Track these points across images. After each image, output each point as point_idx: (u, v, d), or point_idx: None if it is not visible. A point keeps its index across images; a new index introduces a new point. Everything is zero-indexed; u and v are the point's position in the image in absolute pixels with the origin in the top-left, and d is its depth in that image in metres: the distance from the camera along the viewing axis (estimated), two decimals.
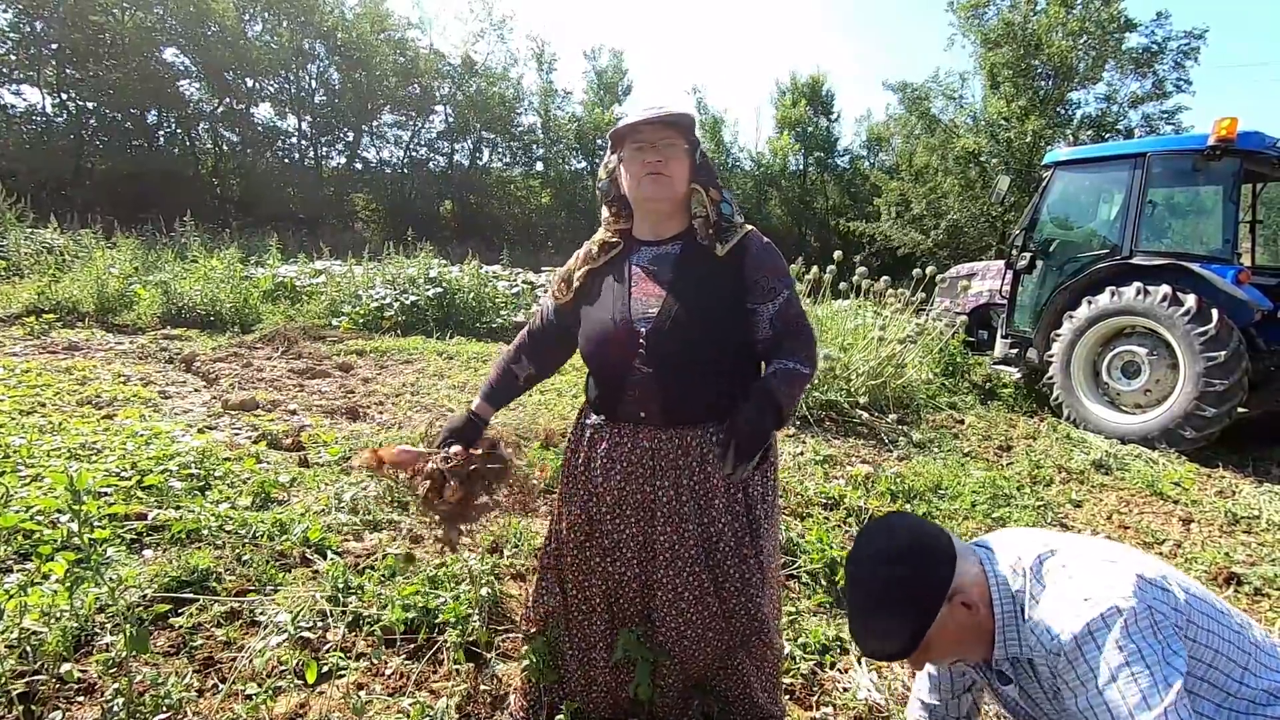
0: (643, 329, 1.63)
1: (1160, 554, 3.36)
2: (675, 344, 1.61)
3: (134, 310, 8.00)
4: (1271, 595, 2.99)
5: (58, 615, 2.03)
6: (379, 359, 6.93)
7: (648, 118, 1.60)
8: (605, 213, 1.79)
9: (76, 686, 1.89)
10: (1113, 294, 5.50)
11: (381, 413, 5.02)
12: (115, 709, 1.55)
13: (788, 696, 2.13)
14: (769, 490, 1.72)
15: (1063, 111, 18.79)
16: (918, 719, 1.59)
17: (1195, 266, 5.18)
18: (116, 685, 1.60)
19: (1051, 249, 6.46)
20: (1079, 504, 4.02)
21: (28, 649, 1.89)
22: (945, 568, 1.25)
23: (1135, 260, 5.55)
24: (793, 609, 2.54)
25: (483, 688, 1.96)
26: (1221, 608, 1.24)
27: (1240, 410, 5.06)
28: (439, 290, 8.91)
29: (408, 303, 8.66)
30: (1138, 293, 5.33)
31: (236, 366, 6.16)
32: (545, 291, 1.92)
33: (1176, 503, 4.13)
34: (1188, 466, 4.76)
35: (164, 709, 1.73)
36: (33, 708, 1.73)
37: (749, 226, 1.71)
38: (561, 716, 1.68)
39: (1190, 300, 5.04)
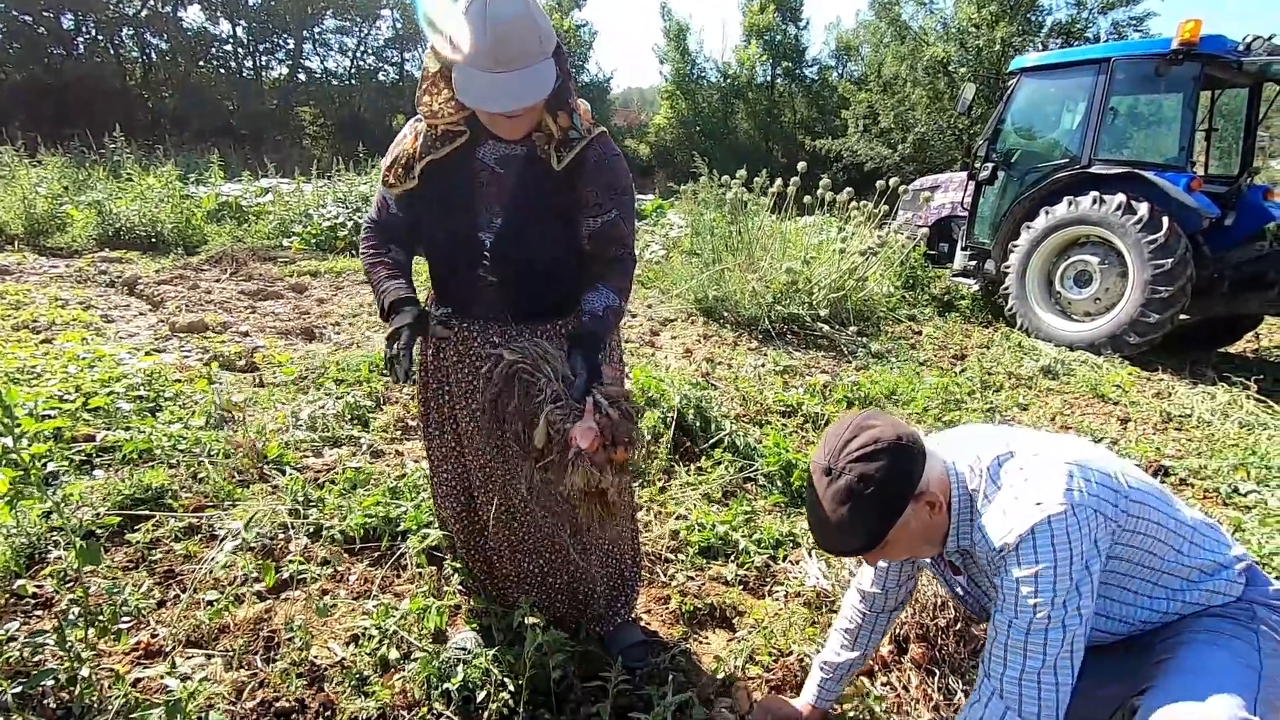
0: (487, 240, 1.60)
1: None
2: (518, 255, 1.61)
3: (68, 232, 7.58)
4: (1194, 485, 3.19)
5: (7, 532, 2.00)
6: (334, 280, 6.74)
7: (510, 110, 1.40)
8: (440, 96, 1.51)
9: (32, 600, 1.89)
10: (1070, 204, 5.55)
11: (339, 333, 4.92)
12: (72, 618, 1.55)
13: (741, 586, 2.24)
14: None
15: (1033, 18, 18.37)
16: (854, 607, 1.66)
17: (1150, 174, 5.22)
18: (72, 596, 1.59)
19: (1013, 159, 6.44)
20: (1025, 407, 4.18)
21: None
22: (917, 467, 1.26)
23: (1093, 169, 5.58)
24: (749, 509, 2.63)
25: (445, 589, 2.01)
26: (1161, 494, 1.31)
27: (1181, 316, 5.25)
28: None
29: (361, 221, 8.34)
30: (1094, 202, 5.38)
31: (183, 289, 5.93)
32: (381, 185, 1.69)
33: (1116, 404, 4.32)
34: (1129, 370, 4.96)
35: (125, 618, 1.74)
36: None
37: (598, 131, 1.58)
38: (521, 610, 1.73)
39: (1143, 208, 5.11)
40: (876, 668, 1.87)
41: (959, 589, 1.47)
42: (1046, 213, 5.71)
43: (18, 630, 1.70)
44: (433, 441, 1.79)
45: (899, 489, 1.24)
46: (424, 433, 1.82)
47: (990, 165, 6.47)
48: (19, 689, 1.44)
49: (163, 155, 11.50)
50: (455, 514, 1.83)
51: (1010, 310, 6.03)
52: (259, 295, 5.92)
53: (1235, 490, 3.09)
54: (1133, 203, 5.18)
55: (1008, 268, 6.00)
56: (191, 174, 10.85)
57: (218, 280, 6.42)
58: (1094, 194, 5.39)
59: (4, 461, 2.24)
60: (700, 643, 2.00)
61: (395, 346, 1.49)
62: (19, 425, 1.65)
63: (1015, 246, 5.93)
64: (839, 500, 1.25)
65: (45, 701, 1.51)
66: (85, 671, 1.46)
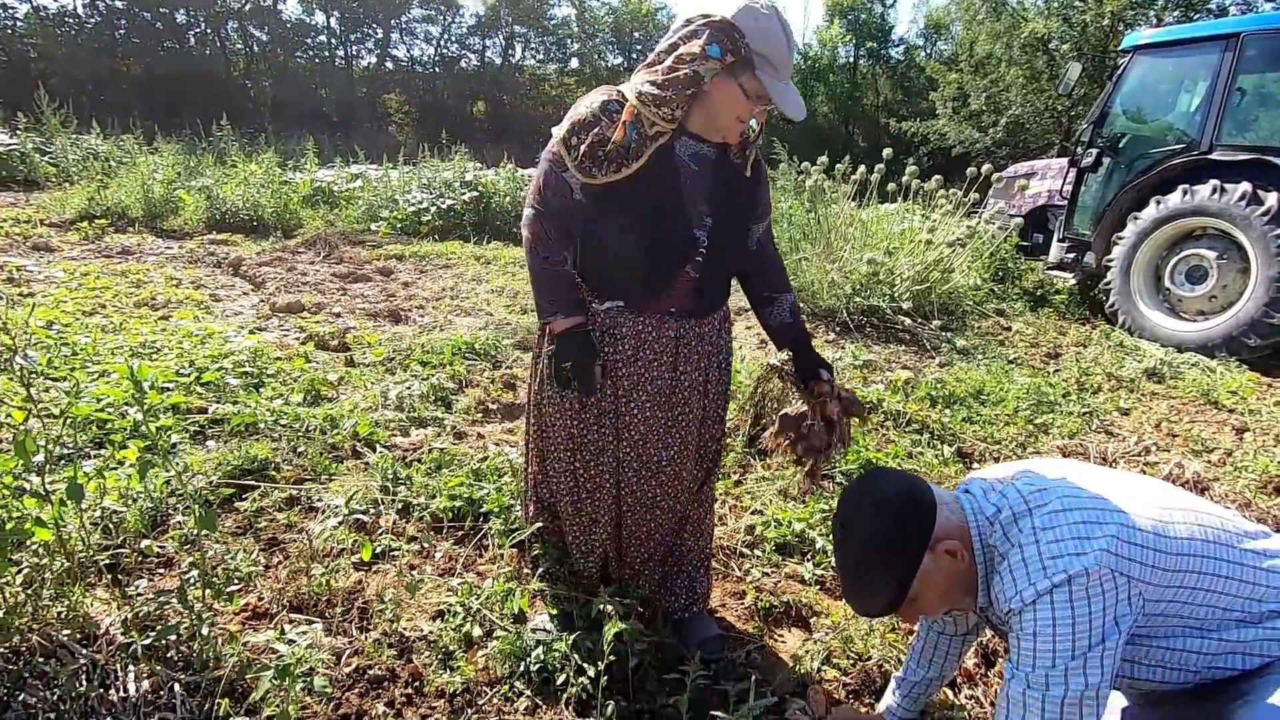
0: (701, 237, 1.63)
1: (1209, 462, 3.29)
2: (724, 254, 1.68)
3: (180, 216, 8.14)
4: None
5: (134, 497, 2.19)
6: (418, 263, 6.98)
7: (791, 88, 1.50)
8: (666, 95, 1.49)
9: (156, 560, 2.07)
10: (1185, 193, 5.13)
11: (423, 316, 5.11)
12: (192, 580, 1.68)
13: (818, 586, 2.21)
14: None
15: None
16: (927, 628, 1.60)
17: None
18: (192, 559, 1.73)
19: (1121, 144, 6.00)
20: (1127, 412, 3.92)
21: (110, 526, 2.06)
22: (925, 515, 1.25)
23: (1214, 155, 5.14)
24: (827, 507, 2.58)
25: (525, 571, 2.07)
26: (1227, 537, 1.20)
27: None
28: (475, 194, 8.81)
29: (444, 207, 8.61)
30: (1213, 191, 4.96)
31: (281, 270, 6.28)
32: (550, 160, 1.59)
33: (1232, 411, 4.00)
34: (1248, 375, 4.57)
35: (236, 581, 1.88)
36: (119, 577, 1.89)
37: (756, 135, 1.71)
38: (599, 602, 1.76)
39: (1271, 199, 4.67)
40: (961, 680, 1.82)
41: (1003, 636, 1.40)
42: (1157, 202, 5.30)
43: (145, 587, 1.86)
44: (588, 436, 1.71)
45: (910, 540, 1.24)
46: (568, 432, 1.72)
47: (1095, 151, 6.06)
48: (148, 641, 1.58)
49: (264, 142, 12.17)
50: (594, 504, 1.77)
51: (1111, 307, 5.65)
52: (349, 278, 6.21)
53: None
54: (1259, 192, 4.74)
55: (1110, 261, 5.62)
56: (289, 160, 11.44)
57: (312, 262, 6.77)
58: (1214, 182, 4.97)
59: (135, 433, 2.44)
60: (776, 640, 1.99)
61: (580, 377, 1.60)
62: (147, 398, 1.80)
63: (1120, 239, 5.54)
64: (856, 561, 1.31)
65: (169, 654, 1.65)
66: (206, 630, 1.58)
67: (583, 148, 1.53)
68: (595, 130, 1.53)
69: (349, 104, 24.52)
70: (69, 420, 1.72)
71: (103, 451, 2.47)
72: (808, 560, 2.32)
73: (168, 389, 3.02)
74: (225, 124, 11.33)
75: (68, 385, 2.75)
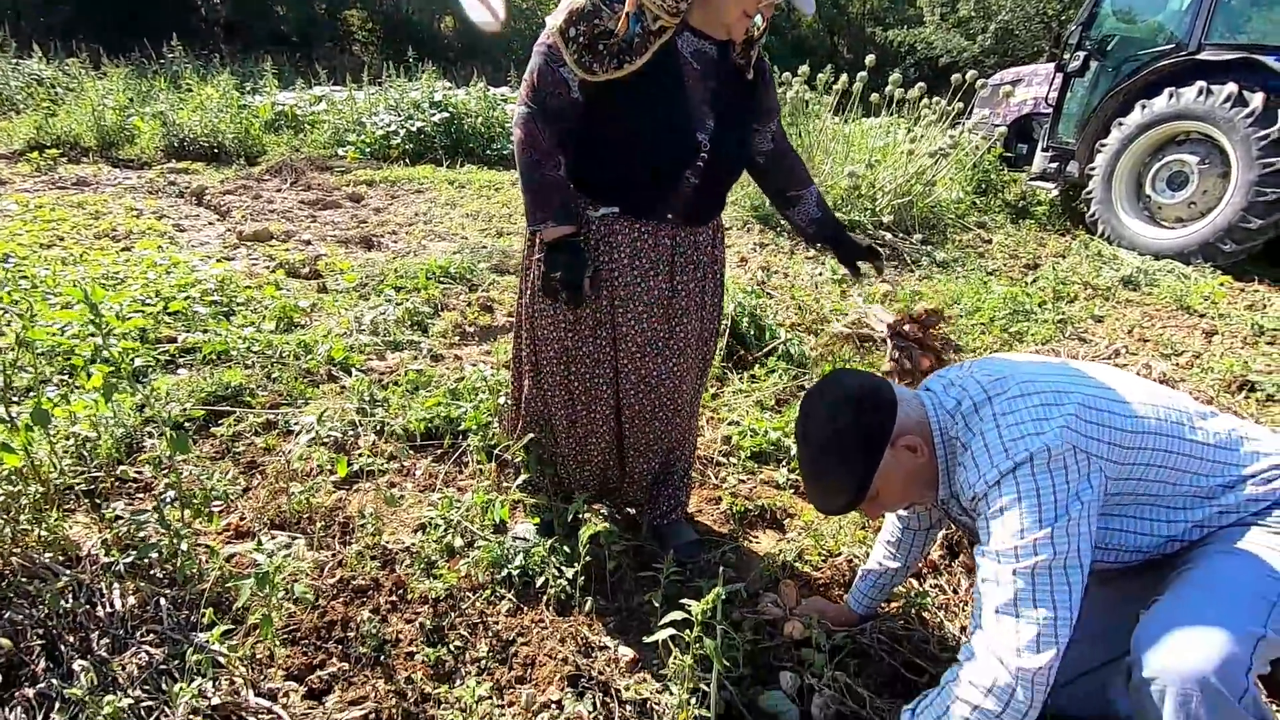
0: (704, 140, 1.55)
1: (1177, 364, 3.36)
2: (727, 158, 1.62)
3: (136, 144, 7.78)
4: None
5: (106, 423, 2.17)
6: (389, 189, 6.77)
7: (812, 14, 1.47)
8: None
9: (134, 484, 2.07)
10: (1171, 96, 5.03)
11: (396, 241, 4.99)
12: (169, 499, 1.69)
13: (792, 490, 2.27)
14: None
15: None
16: (893, 522, 1.65)
17: (1270, 60, 4.65)
18: (167, 480, 1.73)
19: (1109, 47, 5.83)
20: (1101, 319, 3.97)
21: (84, 453, 2.05)
22: (885, 413, 1.25)
23: (1202, 55, 5.01)
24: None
25: (504, 484, 2.10)
26: (1178, 417, 1.22)
27: None
28: (445, 115, 8.46)
29: (414, 129, 8.27)
30: (1199, 93, 4.86)
31: (247, 199, 6.07)
32: (545, 54, 1.48)
33: (1203, 316, 4.06)
34: (1220, 279, 4.62)
35: (216, 502, 1.89)
36: (97, 501, 1.90)
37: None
38: (575, 504, 1.79)
39: (1256, 100, 4.59)
40: (926, 570, 1.89)
41: (966, 527, 1.43)
42: (1143, 106, 5.20)
43: (123, 509, 1.86)
44: (583, 349, 1.69)
45: (870, 438, 1.24)
46: (562, 345, 1.69)
47: (1082, 54, 5.89)
48: (130, 559, 1.60)
49: (219, 64, 11.52)
50: (590, 416, 1.75)
51: (1092, 216, 5.63)
52: (318, 204, 6.02)
53: None
54: (1245, 93, 4.66)
55: (1093, 169, 5.55)
56: (247, 83, 10.87)
57: (279, 190, 6.54)
58: (1200, 84, 4.86)
59: (97, 358, 2.40)
60: (750, 541, 2.06)
61: (569, 290, 1.54)
62: (106, 324, 1.75)
63: (1103, 145, 5.46)
64: (817, 459, 1.31)
65: (152, 571, 1.68)
66: (185, 546, 1.60)
67: (582, 40, 1.44)
68: (595, 21, 1.44)
69: (308, 22, 23.13)
70: (25, 345, 1.68)
71: (69, 379, 2.43)
72: (782, 466, 2.37)
73: (131, 317, 2.95)
74: (177, 45, 10.68)
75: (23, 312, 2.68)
